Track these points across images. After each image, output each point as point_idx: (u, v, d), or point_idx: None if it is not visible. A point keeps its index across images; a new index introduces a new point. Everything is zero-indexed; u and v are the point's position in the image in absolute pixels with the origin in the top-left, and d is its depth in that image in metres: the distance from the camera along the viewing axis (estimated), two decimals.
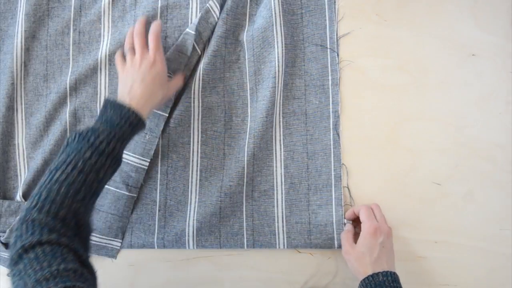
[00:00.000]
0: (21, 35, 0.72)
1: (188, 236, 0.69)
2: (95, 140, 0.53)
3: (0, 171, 0.70)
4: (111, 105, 0.57)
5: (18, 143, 0.71)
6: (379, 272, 0.58)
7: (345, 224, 0.67)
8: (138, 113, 0.58)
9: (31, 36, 0.72)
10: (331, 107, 0.70)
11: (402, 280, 0.59)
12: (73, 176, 0.51)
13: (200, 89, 0.70)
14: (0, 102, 0.67)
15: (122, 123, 0.56)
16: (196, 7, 0.72)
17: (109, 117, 0.56)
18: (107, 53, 0.71)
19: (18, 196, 0.69)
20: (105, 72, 0.71)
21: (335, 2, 0.71)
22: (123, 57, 0.65)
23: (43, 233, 0.46)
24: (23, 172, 0.71)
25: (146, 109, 0.60)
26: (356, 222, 0.67)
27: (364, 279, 0.59)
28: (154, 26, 0.64)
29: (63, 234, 0.47)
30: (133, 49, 0.64)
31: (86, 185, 0.51)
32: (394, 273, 0.59)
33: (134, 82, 0.60)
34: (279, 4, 0.70)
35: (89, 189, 0.52)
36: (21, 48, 0.72)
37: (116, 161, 0.55)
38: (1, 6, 0.74)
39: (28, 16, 0.72)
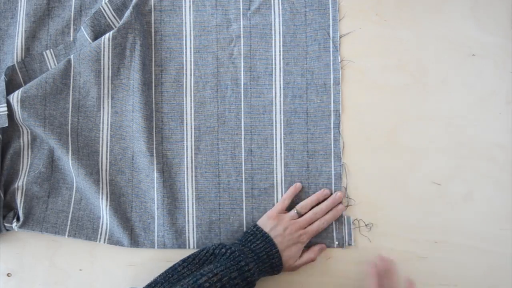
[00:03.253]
0: (21, 35, 0.72)
1: (188, 232, 0.69)
2: (243, 266, 0.58)
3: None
4: (262, 239, 0.63)
5: (23, 142, 0.71)
6: None
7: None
8: (281, 260, 0.62)
9: (31, 36, 0.72)
10: (332, 106, 0.70)
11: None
12: (215, 287, 0.55)
13: (192, 84, 0.71)
14: (0, 101, 0.67)
15: (267, 261, 0.61)
16: (190, 9, 0.72)
17: (257, 249, 0.62)
18: (108, 52, 0.71)
19: None
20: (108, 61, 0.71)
21: (337, 1, 0.72)
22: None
23: None
24: None
25: (285, 264, 0.63)
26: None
27: None
28: (326, 223, 0.67)
29: None
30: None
31: None
32: None
33: (277, 236, 0.64)
34: (279, 3, 0.71)
35: None
36: (21, 48, 0.72)
37: (250, 287, 0.60)
38: (1, 5, 0.74)
39: (28, 16, 0.72)
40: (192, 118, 0.72)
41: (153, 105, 0.71)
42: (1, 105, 0.67)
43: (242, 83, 0.72)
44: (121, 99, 0.71)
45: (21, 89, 0.68)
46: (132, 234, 0.69)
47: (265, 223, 0.65)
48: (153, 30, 0.73)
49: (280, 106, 0.71)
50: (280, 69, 0.71)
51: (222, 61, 0.72)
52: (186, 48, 0.72)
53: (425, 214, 0.69)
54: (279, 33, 0.72)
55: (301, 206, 0.67)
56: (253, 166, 0.70)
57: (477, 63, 0.71)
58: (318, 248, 0.67)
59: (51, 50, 0.72)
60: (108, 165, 0.71)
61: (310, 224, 0.65)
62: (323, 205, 0.67)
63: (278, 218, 0.65)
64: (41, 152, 0.71)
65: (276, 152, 0.70)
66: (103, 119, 0.71)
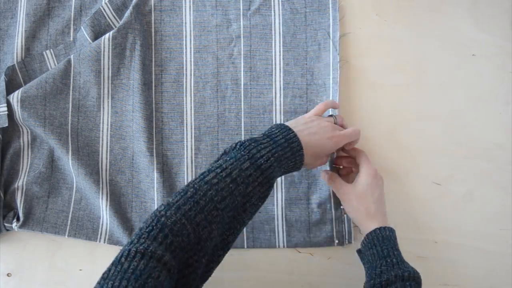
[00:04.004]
0: (21, 35, 0.72)
1: None
2: (256, 153, 0.52)
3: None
4: (278, 126, 0.57)
5: (23, 142, 0.71)
6: (385, 227, 0.59)
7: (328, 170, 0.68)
8: (301, 142, 0.55)
9: (31, 36, 0.72)
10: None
11: None
12: (224, 182, 0.50)
13: (192, 84, 0.71)
14: (0, 101, 0.67)
15: (286, 145, 0.54)
16: (190, 9, 0.73)
17: (273, 134, 0.55)
18: (109, 51, 0.71)
19: None
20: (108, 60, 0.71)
21: (337, 1, 0.72)
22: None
23: (156, 241, 0.45)
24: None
25: (307, 151, 0.56)
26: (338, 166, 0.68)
27: (371, 232, 0.59)
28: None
29: (175, 249, 0.45)
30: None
31: (232, 195, 0.50)
32: (394, 230, 0.61)
33: (306, 130, 0.58)
34: (279, 3, 0.71)
35: (233, 201, 0.50)
36: (21, 48, 0.72)
37: (267, 181, 0.53)
38: (1, 5, 0.74)
39: (28, 16, 0.72)
40: (192, 118, 0.72)
41: (153, 105, 0.71)
42: (1, 105, 0.67)
43: (242, 83, 0.72)
44: (121, 99, 0.71)
45: (21, 89, 0.68)
46: (132, 234, 0.69)
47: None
48: (153, 30, 0.73)
49: (280, 106, 0.71)
50: (280, 69, 0.71)
51: (222, 61, 0.72)
52: (186, 48, 0.72)
53: (425, 214, 0.69)
54: (279, 33, 0.72)
55: (340, 118, 0.64)
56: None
57: (477, 63, 0.71)
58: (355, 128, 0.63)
59: (51, 50, 0.72)
60: (108, 165, 0.71)
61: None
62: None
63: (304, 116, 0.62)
64: (41, 152, 0.71)
65: None
66: (103, 119, 0.71)
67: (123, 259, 0.43)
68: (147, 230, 0.46)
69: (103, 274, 0.43)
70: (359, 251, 0.62)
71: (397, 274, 0.54)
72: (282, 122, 0.70)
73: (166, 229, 0.46)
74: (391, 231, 0.60)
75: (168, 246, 0.45)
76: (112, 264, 0.44)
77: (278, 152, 0.53)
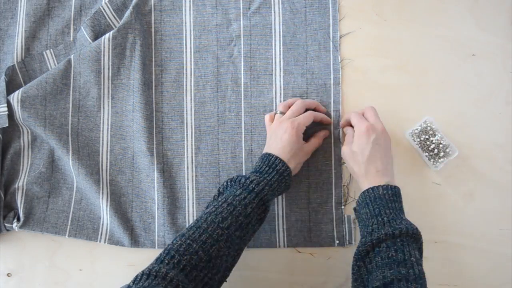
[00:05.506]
0: (21, 35, 0.72)
1: None
2: (245, 181, 0.58)
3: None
4: (260, 158, 0.63)
5: (23, 142, 0.71)
6: (379, 186, 0.58)
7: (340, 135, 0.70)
8: (284, 161, 0.61)
9: (31, 36, 0.72)
10: (332, 106, 0.70)
11: None
12: (222, 207, 0.56)
13: (193, 84, 0.71)
14: (1, 101, 0.67)
15: (270, 171, 0.60)
16: (190, 9, 0.73)
17: (258, 167, 0.62)
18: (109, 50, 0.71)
19: None
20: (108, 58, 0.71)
21: (337, 1, 0.72)
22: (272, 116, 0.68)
23: (162, 263, 0.49)
24: None
25: (291, 162, 0.62)
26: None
27: (363, 192, 0.59)
28: (320, 116, 0.67)
29: (184, 267, 0.49)
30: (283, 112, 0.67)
31: (233, 216, 0.55)
32: (396, 186, 0.59)
33: (275, 140, 0.64)
34: (279, 3, 0.71)
35: (235, 220, 0.55)
36: (21, 48, 0.72)
37: (262, 203, 0.58)
38: (1, 5, 0.74)
39: (28, 16, 0.72)
40: (193, 118, 0.72)
41: (153, 105, 0.71)
42: (1, 105, 0.67)
43: (242, 82, 0.72)
44: (121, 99, 0.71)
45: (21, 89, 0.68)
46: (133, 234, 0.69)
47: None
48: (153, 30, 0.73)
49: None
50: (280, 69, 0.71)
51: (222, 61, 0.72)
52: (186, 48, 0.72)
53: (425, 214, 0.69)
54: (279, 33, 0.72)
55: (282, 105, 0.67)
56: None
57: (477, 63, 0.71)
58: (322, 133, 0.68)
59: (51, 50, 0.72)
60: (108, 165, 0.71)
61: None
62: (305, 100, 0.68)
63: (268, 127, 0.67)
64: (41, 152, 0.71)
65: None
66: (103, 119, 0.71)
67: (131, 283, 0.47)
68: (156, 258, 0.50)
69: None
70: (355, 209, 0.63)
71: (387, 232, 0.53)
72: None
73: (172, 251, 0.50)
74: (386, 188, 0.58)
75: (176, 265, 0.49)
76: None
77: (266, 178, 0.59)
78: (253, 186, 0.58)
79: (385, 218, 0.55)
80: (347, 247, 0.69)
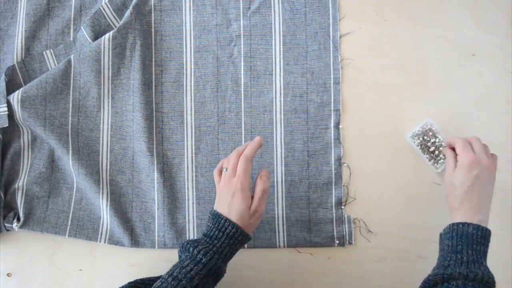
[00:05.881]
0: (21, 35, 0.72)
1: (189, 232, 0.69)
2: (193, 250, 0.56)
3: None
4: (211, 216, 0.59)
5: (23, 142, 0.71)
6: (471, 223, 0.55)
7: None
8: (235, 224, 0.57)
9: (31, 36, 0.72)
10: (332, 105, 0.70)
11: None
12: (167, 283, 0.54)
13: (193, 84, 0.71)
14: (1, 101, 0.67)
15: (220, 235, 0.57)
16: (190, 9, 0.72)
17: (209, 229, 0.58)
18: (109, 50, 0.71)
19: None
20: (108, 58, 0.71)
21: (337, 1, 0.72)
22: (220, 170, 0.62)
23: None
24: None
25: (244, 223, 0.58)
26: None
27: (453, 224, 0.57)
28: (249, 150, 0.60)
29: None
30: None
31: None
32: (487, 229, 0.56)
33: (225, 201, 0.59)
34: (279, 3, 0.71)
35: None
36: (21, 48, 0.72)
37: (213, 272, 0.56)
38: (1, 5, 0.74)
39: (28, 16, 0.72)
40: (193, 118, 0.72)
41: (153, 105, 0.71)
42: (1, 105, 0.67)
43: (242, 82, 0.72)
44: (121, 99, 0.71)
45: (21, 89, 0.68)
46: (133, 234, 0.69)
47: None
48: (153, 30, 0.73)
49: (281, 105, 0.71)
50: (280, 68, 0.71)
51: (222, 61, 0.72)
52: (186, 48, 0.72)
53: (425, 214, 0.69)
54: (279, 32, 0.72)
55: (226, 160, 0.61)
56: (253, 165, 0.70)
57: (477, 63, 0.71)
58: (263, 173, 0.61)
59: (51, 50, 0.72)
60: (108, 165, 0.71)
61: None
62: (239, 148, 0.61)
63: (216, 185, 0.62)
64: (41, 152, 0.71)
65: (276, 151, 0.70)
66: (103, 119, 0.71)
67: None
68: None
69: None
70: (440, 235, 0.60)
71: (461, 272, 0.52)
72: (281, 123, 0.70)
73: None
74: (478, 229, 0.55)
75: None
76: None
77: (215, 246, 0.56)
78: (201, 256, 0.55)
79: (464, 258, 0.54)
80: (347, 247, 0.69)
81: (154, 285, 0.54)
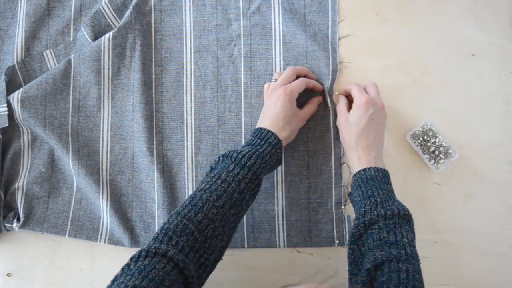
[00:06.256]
0: (21, 35, 0.72)
1: None
2: (237, 156, 0.57)
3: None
4: (253, 132, 0.63)
5: (23, 142, 0.71)
6: (370, 167, 0.59)
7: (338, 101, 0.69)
8: (275, 133, 0.61)
9: (31, 36, 0.72)
10: (331, 105, 0.70)
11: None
12: (216, 184, 0.55)
13: (193, 84, 0.71)
14: (1, 101, 0.67)
15: (262, 143, 0.60)
16: (190, 9, 0.72)
17: (250, 140, 0.61)
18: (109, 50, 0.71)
19: None
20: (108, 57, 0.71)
21: (337, 1, 0.72)
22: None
23: (162, 243, 0.48)
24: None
25: (283, 132, 0.62)
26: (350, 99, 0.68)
27: (356, 174, 0.60)
28: (304, 69, 0.68)
29: (183, 248, 0.49)
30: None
31: (227, 193, 0.54)
32: (386, 170, 0.60)
33: (269, 108, 0.64)
34: (279, 3, 0.71)
35: (229, 198, 0.54)
36: (21, 48, 0.72)
37: (256, 177, 0.57)
38: (1, 5, 0.74)
39: (28, 16, 0.72)
40: (193, 118, 0.72)
41: (153, 105, 0.71)
42: (1, 105, 0.67)
43: (242, 82, 0.72)
44: (121, 99, 0.71)
45: (21, 89, 0.68)
46: (133, 234, 0.69)
47: None
48: (153, 30, 0.73)
49: None
50: (280, 69, 0.71)
51: (222, 61, 0.72)
52: (186, 48, 0.72)
53: (425, 214, 0.69)
54: (279, 33, 0.72)
55: (277, 73, 0.68)
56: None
57: (477, 63, 0.71)
58: (316, 99, 0.68)
59: (51, 50, 0.72)
60: (108, 165, 0.71)
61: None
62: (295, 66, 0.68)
63: (264, 96, 0.68)
64: (41, 152, 0.71)
65: None
66: (103, 119, 0.71)
67: (129, 261, 0.47)
68: (153, 237, 0.50)
69: (114, 277, 0.46)
70: (349, 194, 0.63)
71: (379, 213, 0.54)
72: None
73: (170, 232, 0.49)
74: (377, 171, 0.59)
75: (174, 246, 0.48)
76: (121, 268, 0.47)
77: (258, 150, 0.59)
78: (245, 160, 0.57)
79: (378, 199, 0.56)
80: (347, 247, 0.68)
81: (201, 186, 0.55)
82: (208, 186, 0.55)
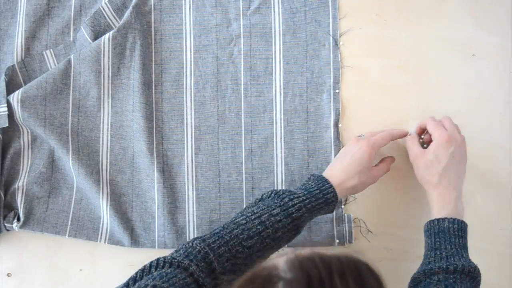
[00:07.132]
0: (21, 35, 0.72)
1: (189, 232, 0.69)
2: (288, 201, 0.55)
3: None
4: (315, 177, 0.60)
5: (23, 142, 0.71)
6: (445, 218, 0.57)
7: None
8: (336, 193, 0.58)
9: (31, 36, 0.72)
10: (332, 105, 0.70)
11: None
12: (252, 223, 0.53)
13: (193, 84, 0.71)
14: (1, 101, 0.67)
15: (319, 196, 0.57)
16: (190, 8, 0.73)
17: (309, 186, 0.58)
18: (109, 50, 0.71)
19: None
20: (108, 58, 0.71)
21: (337, 0, 0.72)
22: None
23: (187, 257, 0.48)
24: None
25: (351, 180, 0.60)
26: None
27: (429, 222, 0.59)
28: (398, 131, 0.66)
29: (203, 270, 0.48)
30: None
31: (260, 237, 0.53)
32: (463, 221, 0.58)
33: (346, 154, 0.62)
34: (279, 3, 0.71)
35: (260, 241, 0.53)
36: (21, 48, 0.72)
37: (296, 229, 0.56)
38: (1, 5, 0.74)
39: (28, 16, 0.72)
40: (193, 118, 0.72)
41: (153, 105, 0.71)
42: (1, 105, 0.67)
43: (242, 82, 0.72)
44: (121, 99, 0.71)
45: (21, 89, 0.68)
46: (133, 234, 0.69)
47: None
48: (153, 30, 0.73)
49: (280, 105, 0.71)
50: (280, 68, 0.71)
51: (222, 61, 0.72)
52: (186, 48, 0.72)
53: (425, 214, 0.69)
54: (279, 32, 0.72)
55: (368, 132, 0.65)
56: (253, 165, 0.70)
57: (477, 63, 0.71)
58: (390, 159, 0.66)
59: (51, 50, 0.72)
60: (108, 165, 0.71)
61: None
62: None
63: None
64: (41, 152, 0.71)
65: (276, 151, 0.70)
66: (103, 119, 0.71)
67: (148, 267, 0.47)
68: (176, 251, 0.50)
69: (131, 277, 0.46)
70: (424, 232, 0.61)
71: (441, 266, 0.54)
72: (281, 122, 0.70)
73: (191, 255, 0.49)
74: (452, 223, 0.57)
75: (195, 265, 0.48)
76: (140, 270, 0.47)
77: (311, 203, 0.56)
78: (293, 210, 0.55)
79: (443, 253, 0.55)
80: (347, 247, 0.68)
81: (238, 219, 0.54)
82: (244, 221, 0.53)
